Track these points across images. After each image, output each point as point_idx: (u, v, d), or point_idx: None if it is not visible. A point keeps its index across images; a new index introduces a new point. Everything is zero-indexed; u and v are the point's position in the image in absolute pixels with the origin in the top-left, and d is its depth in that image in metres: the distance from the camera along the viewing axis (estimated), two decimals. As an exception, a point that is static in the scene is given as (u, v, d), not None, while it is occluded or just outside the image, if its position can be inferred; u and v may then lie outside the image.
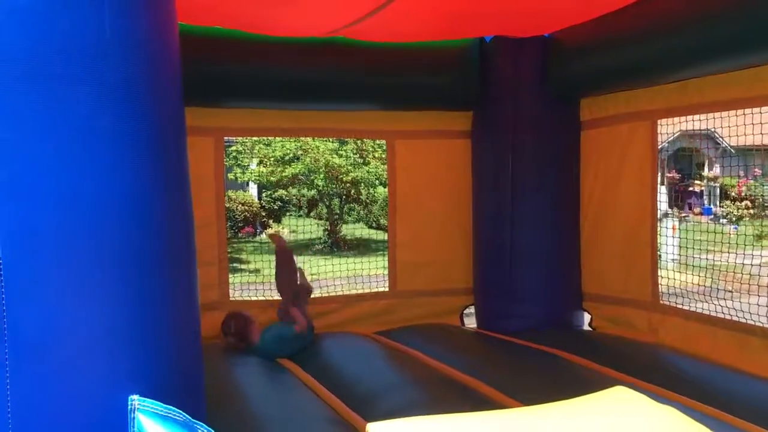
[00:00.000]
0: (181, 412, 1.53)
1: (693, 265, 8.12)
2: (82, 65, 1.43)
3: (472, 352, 5.25)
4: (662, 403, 1.66)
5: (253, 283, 9.03)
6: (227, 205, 18.32)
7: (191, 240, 1.85)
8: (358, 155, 16.91)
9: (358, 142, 16.59)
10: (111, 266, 1.53)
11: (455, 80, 5.78)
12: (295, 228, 18.06)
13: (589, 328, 5.81)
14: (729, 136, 6.86)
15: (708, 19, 4.17)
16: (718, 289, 7.64)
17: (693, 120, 5.39)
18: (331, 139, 16.50)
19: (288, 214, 20.23)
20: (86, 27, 1.44)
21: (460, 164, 6.14)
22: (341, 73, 5.44)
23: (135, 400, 1.54)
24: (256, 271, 12.88)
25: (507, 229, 5.75)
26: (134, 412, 1.53)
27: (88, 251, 1.48)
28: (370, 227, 18.40)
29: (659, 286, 5.24)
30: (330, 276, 11.53)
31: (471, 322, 6.30)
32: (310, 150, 16.42)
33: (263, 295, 7.02)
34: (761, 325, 4.53)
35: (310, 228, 17.14)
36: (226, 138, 6.31)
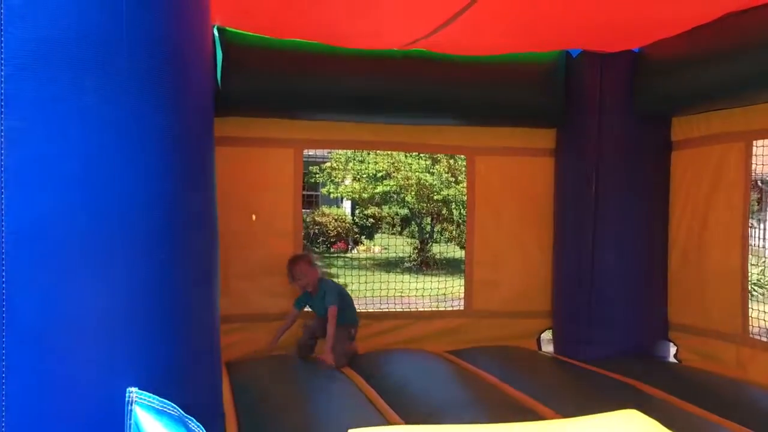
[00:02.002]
0: (175, 407, 1.51)
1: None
2: (91, 54, 1.43)
3: (546, 378, 5.05)
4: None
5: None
6: (321, 219, 18.71)
7: (211, 239, 1.83)
8: (449, 174, 16.81)
9: (451, 160, 16.50)
10: (114, 257, 1.52)
11: (539, 96, 5.62)
12: (386, 245, 18.13)
13: (675, 360, 5.47)
14: None
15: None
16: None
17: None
18: (423, 157, 16.51)
19: (380, 231, 20.34)
20: (98, 16, 1.44)
21: (542, 183, 5.95)
22: (421, 86, 5.39)
23: (133, 392, 1.54)
24: (344, 285, 12.95)
25: (589, 252, 5.51)
26: (131, 405, 1.52)
27: (91, 241, 1.48)
28: (462, 248, 18.22)
29: (752, 319, 4.87)
30: (414, 294, 11.42)
31: (548, 347, 6.07)
32: (402, 167, 16.46)
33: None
34: None
35: (400, 246, 17.16)
36: (319, 153, 6.41)
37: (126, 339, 1.56)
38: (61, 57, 1.41)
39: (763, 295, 10.79)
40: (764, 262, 11.99)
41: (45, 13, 1.40)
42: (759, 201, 15.02)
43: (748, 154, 4.80)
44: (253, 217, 5.56)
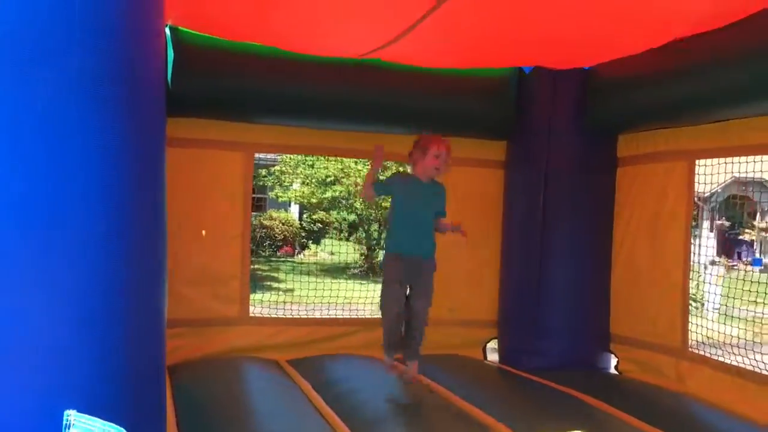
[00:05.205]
0: (120, 429, 1.44)
1: (736, 317, 7.74)
2: (42, 54, 1.37)
3: (491, 388, 5.10)
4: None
5: (287, 303, 8.88)
6: (268, 223, 18.51)
7: (159, 252, 1.76)
8: (399, 181, 16.86)
9: (400, 168, 16.54)
10: (54, 270, 1.43)
11: (491, 108, 5.69)
12: (333, 251, 18.08)
13: (615, 372, 5.59)
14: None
15: (755, 58, 3.99)
16: (760, 343, 7.27)
17: (745, 164, 5.11)
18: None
19: (327, 236, 20.26)
20: (50, 16, 1.38)
21: (491, 194, 6.01)
22: (374, 95, 5.39)
23: (71, 415, 1.45)
24: (290, 290, 12.84)
25: (535, 264, 5.58)
26: (69, 429, 1.44)
27: (31, 249, 1.40)
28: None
29: (690, 333, 5.00)
30: (361, 301, 11.38)
31: (494, 356, 6.12)
32: (351, 173, 16.44)
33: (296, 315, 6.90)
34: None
35: (347, 251, 17.12)
36: (268, 156, 6.30)
37: (62, 359, 1.47)
38: (10, 55, 1.35)
39: (696, 308, 11.11)
40: (699, 276, 12.36)
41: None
42: (696, 218, 15.50)
43: (691, 173, 4.94)
44: (203, 233, 5.47)
